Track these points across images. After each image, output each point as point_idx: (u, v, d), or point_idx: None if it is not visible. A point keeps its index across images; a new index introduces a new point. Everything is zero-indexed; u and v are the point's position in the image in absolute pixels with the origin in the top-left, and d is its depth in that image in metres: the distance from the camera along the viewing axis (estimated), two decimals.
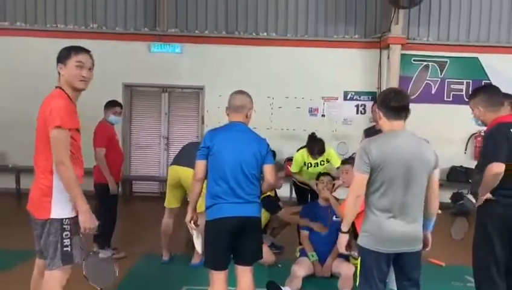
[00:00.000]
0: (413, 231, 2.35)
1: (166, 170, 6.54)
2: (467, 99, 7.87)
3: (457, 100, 7.67)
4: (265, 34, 7.76)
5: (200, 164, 2.72)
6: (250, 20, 7.80)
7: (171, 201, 4.06)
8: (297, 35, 7.75)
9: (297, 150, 4.75)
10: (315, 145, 4.50)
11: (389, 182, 2.29)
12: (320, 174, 4.34)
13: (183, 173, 3.83)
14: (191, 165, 3.84)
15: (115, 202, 4.43)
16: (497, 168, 2.64)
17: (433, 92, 7.72)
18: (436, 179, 2.45)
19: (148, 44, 7.68)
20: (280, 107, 7.72)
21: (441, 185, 7.05)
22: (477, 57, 7.62)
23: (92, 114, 4.52)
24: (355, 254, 4.22)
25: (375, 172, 2.29)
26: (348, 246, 4.24)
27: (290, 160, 7.31)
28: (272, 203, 4.17)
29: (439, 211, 7.05)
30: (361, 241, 2.43)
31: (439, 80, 7.71)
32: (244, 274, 2.68)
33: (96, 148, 4.23)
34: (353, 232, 4.32)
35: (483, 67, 7.62)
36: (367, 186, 2.35)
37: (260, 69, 7.65)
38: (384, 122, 2.40)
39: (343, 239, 2.55)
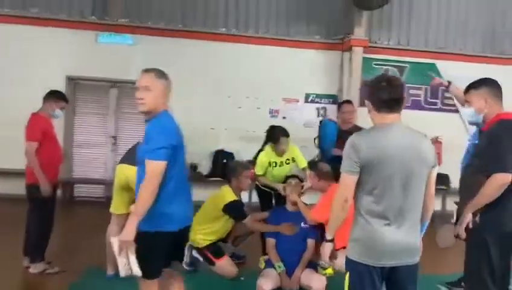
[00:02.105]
0: (413, 240, 2.03)
1: (113, 172, 5.93)
2: (425, 105, 8.12)
3: (416, 106, 7.69)
4: (224, 29, 7.34)
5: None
6: (208, 15, 7.37)
7: (118, 206, 3.50)
8: (259, 32, 7.40)
9: (258, 152, 4.35)
10: (278, 130, 4.18)
11: (384, 184, 1.95)
12: (287, 177, 3.99)
13: (131, 173, 3.31)
14: None
15: (51, 206, 3.82)
16: (505, 179, 2.35)
17: None
18: (434, 178, 2.14)
19: (96, 33, 7.01)
20: (239, 108, 7.33)
21: None
22: (435, 63, 7.67)
23: (30, 109, 3.90)
24: (325, 263, 3.94)
25: (367, 172, 1.95)
26: (317, 254, 3.97)
27: (250, 162, 6.93)
28: (238, 209, 3.75)
29: None
30: (350, 252, 2.07)
31: None
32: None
33: (26, 142, 3.60)
34: (323, 239, 4.03)
35: (439, 74, 7.67)
36: (357, 188, 2.00)
37: (219, 67, 7.23)
38: (375, 116, 2.07)
39: (327, 249, 2.20)
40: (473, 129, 3.92)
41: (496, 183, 2.35)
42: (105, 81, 7.17)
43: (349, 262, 2.06)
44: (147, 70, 2.44)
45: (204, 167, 7.20)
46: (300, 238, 3.69)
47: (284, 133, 4.15)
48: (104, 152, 7.16)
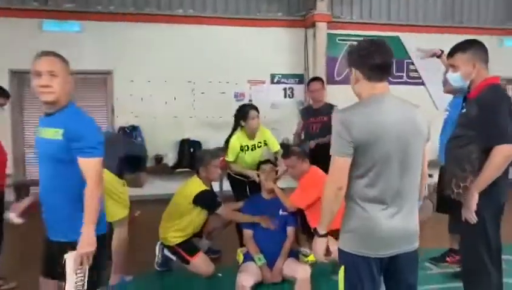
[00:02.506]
0: (412, 224, 1.82)
1: None
2: (390, 79, 7.99)
3: None
4: (180, 10, 6.88)
5: None
6: None
7: None
8: (217, 12, 7.00)
9: (228, 138, 4.04)
10: (246, 105, 4.01)
11: (381, 164, 1.72)
12: (260, 163, 3.73)
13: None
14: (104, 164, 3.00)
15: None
16: (510, 150, 2.15)
17: None
18: (427, 153, 1.94)
19: (39, 21, 6.39)
20: (203, 93, 6.96)
21: None
22: (398, 36, 7.57)
23: None
24: (306, 250, 3.74)
25: (361, 152, 1.71)
26: (296, 241, 3.76)
27: (220, 150, 6.63)
28: (210, 199, 3.45)
29: None
30: (345, 244, 1.84)
31: None
32: None
33: None
34: (303, 226, 3.82)
35: (404, 47, 7.61)
36: (349, 172, 1.76)
37: (178, 51, 6.80)
38: (364, 86, 1.82)
39: (320, 245, 1.90)
40: (447, 99, 3.81)
41: (502, 155, 2.16)
42: None
43: (344, 255, 1.83)
44: (46, 53, 2.18)
45: (170, 158, 6.82)
46: (279, 227, 3.46)
47: (253, 107, 3.91)
48: None
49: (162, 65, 6.77)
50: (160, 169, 6.72)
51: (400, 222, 1.76)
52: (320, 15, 6.87)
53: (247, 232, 3.45)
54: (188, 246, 3.44)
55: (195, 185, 3.42)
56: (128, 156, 3.21)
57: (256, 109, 3.88)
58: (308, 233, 3.59)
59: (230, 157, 3.91)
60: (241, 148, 3.88)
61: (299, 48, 7.22)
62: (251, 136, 3.91)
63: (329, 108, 4.40)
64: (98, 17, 6.55)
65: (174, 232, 3.41)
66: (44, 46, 6.30)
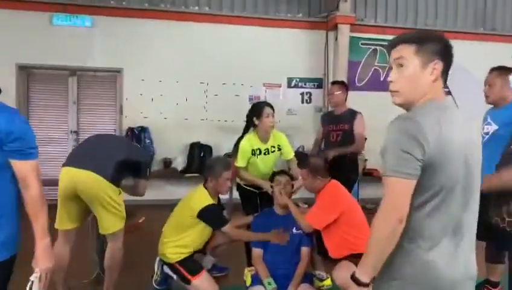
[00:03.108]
0: (473, 265, 1.43)
1: None
2: None
3: None
4: (196, 8, 6.58)
5: None
6: None
7: (64, 220, 2.79)
8: (234, 11, 6.67)
9: (237, 142, 3.62)
10: (260, 102, 3.62)
11: (446, 191, 1.33)
12: (275, 174, 3.34)
13: (81, 179, 2.62)
14: (95, 168, 2.66)
15: None
16: None
17: (381, 79, 7.11)
18: None
19: (50, 15, 6.15)
20: (216, 95, 6.63)
21: None
22: None
23: None
24: (322, 274, 3.35)
25: (428, 174, 1.31)
26: (311, 263, 3.37)
27: (229, 156, 6.27)
28: (216, 216, 3.09)
29: None
30: None
31: (388, 66, 7.12)
32: None
33: None
34: (318, 246, 3.43)
35: None
36: None
37: (191, 50, 6.49)
38: (437, 87, 1.43)
39: None
40: (476, 109, 3.35)
41: None
42: (62, 69, 6.33)
43: None
44: None
45: (179, 162, 6.49)
46: (292, 247, 3.09)
47: (268, 104, 3.51)
48: (64, 149, 6.32)
49: (174, 64, 6.47)
50: (169, 173, 6.40)
51: (461, 264, 1.37)
52: (343, 17, 6.49)
53: (257, 252, 3.08)
54: (190, 264, 3.08)
55: (201, 198, 3.06)
56: (127, 160, 2.87)
57: (271, 107, 3.48)
58: (324, 254, 3.21)
59: (240, 162, 3.48)
60: (253, 152, 3.47)
61: (319, 51, 6.84)
62: (264, 138, 3.50)
63: (351, 115, 4.00)
64: (110, 12, 6.28)
65: (174, 248, 3.06)
66: (53, 41, 6.15)
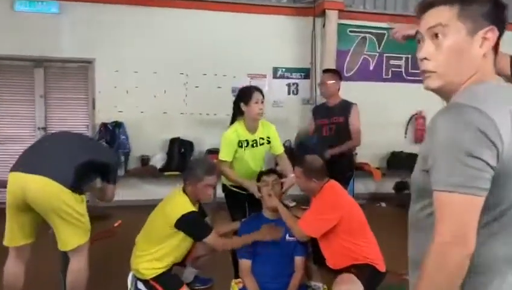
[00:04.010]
0: None
1: None
2: (406, 76, 7.31)
3: (396, 78, 6.85)
4: None
5: None
6: None
7: (14, 235, 2.35)
8: None
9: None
10: (251, 87, 3.12)
11: None
12: (261, 174, 2.94)
13: (32, 185, 2.18)
14: (50, 172, 2.23)
15: None
16: None
17: (371, 68, 6.78)
18: None
19: (11, 0, 5.59)
20: (197, 87, 6.18)
21: (383, 174, 6.19)
22: (417, 30, 6.80)
23: None
24: (318, 285, 2.99)
25: (498, 184, 0.95)
26: (306, 273, 3.01)
27: (212, 153, 5.85)
28: (197, 225, 2.68)
29: (383, 204, 5.99)
30: None
31: (377, 54, 6.79)
32: None
33: None
34: (314, 254, 3.08)
35: None
36: None
37: (169, 38, 6.02)
38: (486, 63, 1.07)
39: None
40: None
41: None
42: (27, 60, 5.78)
43: None
44: None
45: (158, 159, 6.03)
46: (285, 257, 2.72)
47: (257, 88, 3.08)
48: None
49: (151, 54, 5.99)
50: (147, 171, 5.95)
51: None
52: (331, 2, 6.10)
53: (244, 263, 2.70)
54: (167, 280, 2.68)
55: (179, 204, 2.65)
56: (91, 162, 2.44)
57: (261, 92, 3.06)
58: (320, 263, 2.86)
59: (224, 155, 2.99)
60: (239, 144, 3.03)
61: (305, 39, 6.44)
62: (252, 127, 3.08)
63: (346, 106, 3.64)
64: None
65: (149, 262, 2.65)
66: (17, 30, 5.56)
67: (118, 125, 5.85)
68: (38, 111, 5.89)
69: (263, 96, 3.05)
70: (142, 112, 6.03)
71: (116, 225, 4.95)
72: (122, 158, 5.74)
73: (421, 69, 1.14)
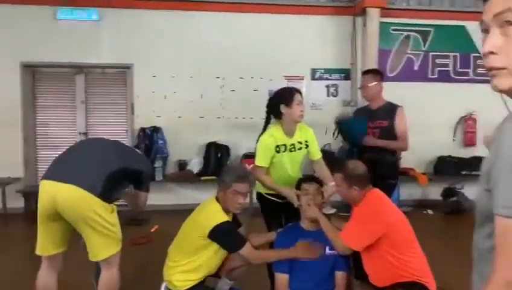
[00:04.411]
0: None
1: None
2: (454, 76, 6.88)
3: (444, 77, 6.45)
4: None
5: None
6: None
7: (46, 244, 2.31)
8: None
9: (258, 138, 2.96)
10: (291, 88, 2.93)
11: None
12: (301, 181, 2.76)
13: (62, 194, 2.13)
14: (79, 181, 2.17)
15: None
16: None
17: (415, 68, 6.42)
18: None
19: (54, 9, 5.74)
20: (233, 91, 6.10)
21: (429, 180, 5.81)
22: (464, 26, 6.40)
23: None
24: None
25: None
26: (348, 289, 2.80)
27: (248, 157, 5.74)
28: (230, 236, 2.54)
29: (430, 212, 5.60)
30: None
31: (422, 53, 6.42)
32: None
33: None
34: (356, 269, 2.87)
35: (471, 38, 6.43)
36: None
37: (206, 42, 5.98)
38: None
39: None
40: None
41: None
42: (69, 67, 5.93)
43: None
44: None
45: (195, 164, 5.98)
46: (325, 272, 2.53)
47: (298, 90, 2.89)
48: None
49: (188, 59, 5.98)
50: (184, 176, 5.92)
51: None
52: (372, 0, 5.83)
53: (280, 278, 2.53)
54: None
55: (212, 213, 2.52)
56: (123, 170, 2.37)
57: (301, 93, 2.89)
58: (363, 278, 2.64)
59: (260, 160, 2.82)
60: (277, 149, 2.86)
61: (345, 39, 6.21)
62: (290, 131, 2.89)
63: (390, 109, 3.39)
64: (118, 4, 5.82)
65: (181, 274, 2.54)
66: (59, 38, 5.70)
67: (155, 130, 5.87)
68: (80, 116, 6.02)
69: (303, 98, 2.88)
70: (179, 117, 6.02)
71: (153, 230, 4.94)
72: (160, 163, 5.74)
73: (486, 66, 0.94)
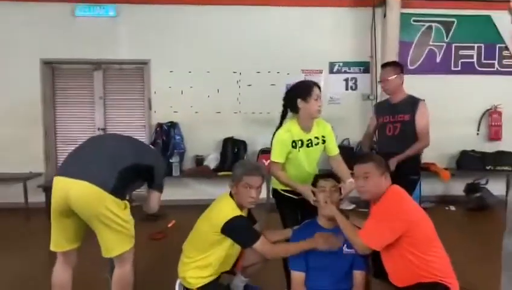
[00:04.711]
0: None
1: None
2: (479, 68, 6.64)
3: (467, 69, 6.23)
4: None
5: None
6: None
7: (59, 240, 2.31)
8: None
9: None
10: (309, 81, 2.82)
11: None
12: (317, 177, 2.69)
13: (75, 191, 2.12)
14: (91, 177, 2.15)
15: None
16: None
17: (437, 60, 6.22)
18: None
19: (72, 6, 5.79)
20: (250, 85, 6.04)
21: (452, 175, 5.64)
22: (490, 15, 6.16)
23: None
24: None
25: None
26: (366, 288, 2.72)
27: (264, 152, 5.69)
28: (243, 230, 2.49)
29: (452, 208, 5.42)
30: None
31: (445, 44, 6.21)
32: None
33: None
34: (374, 267, 2.79)
35: (496, 28, 6.18)
36: None
37: (222, 37, 5.94)
38: None
39: None
40: None
41: None
42: (87, 63, 5.97)
43: None
44: None
45: (212, 159, 5.96)
46: (342, 271, 2.45)
47: (316, 83, 2.78)
48: None
49: (204, 53, 5.95)
50: (201, 172, 5.91)
51: None
52: None
53: (296, 276, 2.47)
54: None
55: (225, 208, 2.49)
56: (137, 165, 2.34)
57: (319, 87, 2.79)
58: (382, 277, 2.55)
59: (276, 156, 2.76)
60: (293, 144, 2.79)
61: (364, 31, 6.06)
62: (307, 126, 2.81)
63: (412, 103, 3.28)
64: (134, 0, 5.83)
65: (195, 270, 2.51)
66: (77, 35, 5.75)
67: (173, 125, 5.87)
68: (98, 112, 6.07)
69: (321, 92, 2.80)
70: (196, 112, 6.00)
71: (170, 225, 4.94)
72: (178, 158, 5.74)
73: None
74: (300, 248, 2.46)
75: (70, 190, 2.11)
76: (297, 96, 2.75)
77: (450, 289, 2.22)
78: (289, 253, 2.55)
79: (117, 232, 2.20)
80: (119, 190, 2.18)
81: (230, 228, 2.40)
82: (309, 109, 2.73)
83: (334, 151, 2.96)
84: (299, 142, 2.80)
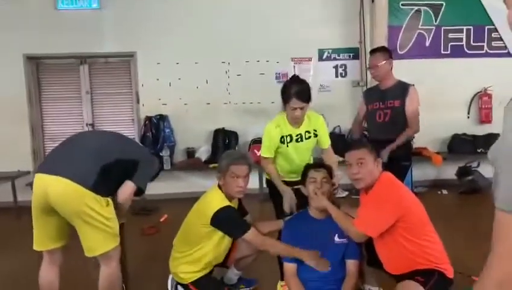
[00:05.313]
0: None
1: None
2: (468, 51, 6.62)
3: (457, 52, 6.19)
4: None
5: None
6: None
7: (42, 239, 2.25)
8: None
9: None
10: (288, 82, 2.73)
11: None
12: (308, 167, 2.64)
13: (53, 187, 2.06)
14: (71, 173, 2.08)
15: None
16: None
17: (427, 44, 6.18)
18: None
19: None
20: (239, 75, 5.96)
21: (443, 159, 5.64)
22: None
23: None
24: (373, 289, 2.69)
25: None
26: (360, 277, 2.71)
27: (256, 143, 5.64)
28: (232, 221, 2.45)
29: (444, 192, 5.42)
30: None
31: (434, 28, 6.17)
32: None
33: None
34: (368, 256, 2.77)
35: (485, 10, 6.14)
36: None
37: (209, 26, 5.83)
38: None
39: None
40: None
41: None
42: (72, 57, 5.84)
43: None
44: None
45: (203, 152, 5.90)
46: (335, 260, 2.43)
47: (298, 93, 2.60)
48: None
49: (192, 44, 5.84)
50: (192, 164, 5.85)
51: None
52: None
53: (289, 267, 2.44)
54: (208, 284, 2.50)
55: (214, 200, 2.44)
56: (120, 161, 2.25)
57: (301, 97, 2.60)
58: (376, 264, 2.54)
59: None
60: (282, 140, 2.76)
61: (353, 17, 5.99)
62: (295, 122, 2.78)
63: (402, 88, 3.24)
64: None
65: (186, 265, 2.48)
66: (60, 28, 5.61)
67: (162, 118, 5.79)
68: (86, 108, 5.96)
69: (307, 101, 2.63)
70: (185, 104, 5.92)
71: (162, 219, 4.90)
72: (168, 152, 5.67)
73: None
74: (289, 253, 2.43)
75: (49, 186, 2.05)
76: (281, 95, 2.71)
77: (445, 274, 2.22)
78: (277, 251, 2.51)
79: (99, 230, 2.13)
80: (100, 187, 2.11)
81: (219, 219, 2.37)
82: (288, 113, 2.71)
83: (326, 144, 2.92)
84: (288, 137, 2.76)
